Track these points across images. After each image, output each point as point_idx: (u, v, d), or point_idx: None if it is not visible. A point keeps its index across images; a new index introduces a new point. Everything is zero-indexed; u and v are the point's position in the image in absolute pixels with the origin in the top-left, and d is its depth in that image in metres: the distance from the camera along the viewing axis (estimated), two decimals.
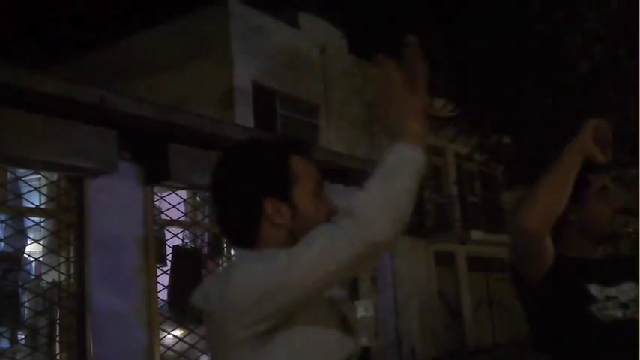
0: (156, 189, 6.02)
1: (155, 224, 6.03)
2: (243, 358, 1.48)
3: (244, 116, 11.81)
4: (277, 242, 1.53)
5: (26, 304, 5.18)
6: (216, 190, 1.62)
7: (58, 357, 5.18)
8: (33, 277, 5.34)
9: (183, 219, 6.52)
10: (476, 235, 17.19)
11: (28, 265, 5.42)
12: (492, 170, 15.42)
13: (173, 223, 6.36)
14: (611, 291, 2.12)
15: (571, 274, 2.09)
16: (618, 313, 2.08)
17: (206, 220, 6.86)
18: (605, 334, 2.06)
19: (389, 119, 1.49)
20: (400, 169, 1.42)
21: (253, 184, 1.56)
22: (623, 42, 6.62)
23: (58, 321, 5.24)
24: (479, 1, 7.60)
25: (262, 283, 1.41)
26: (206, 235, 6.94)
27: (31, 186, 5.25)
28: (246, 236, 1.57)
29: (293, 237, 1.51)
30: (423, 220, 15.98)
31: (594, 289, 2.11)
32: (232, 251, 7.21)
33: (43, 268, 5.30)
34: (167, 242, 6.38)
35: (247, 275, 1.45)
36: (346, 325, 1.60)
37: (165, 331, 6.00)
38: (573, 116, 7.33)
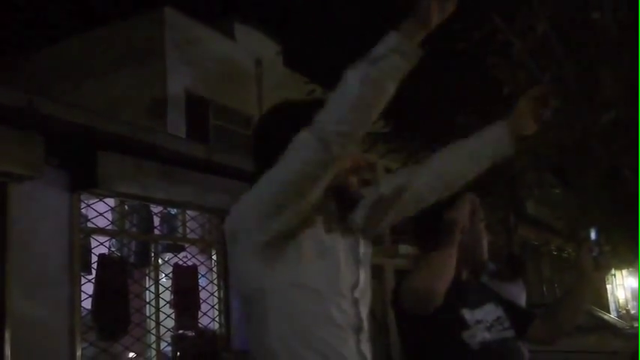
0: (83, 196, 5.92)
1: (81, 232, 5.92)
2: (261, 267, 1.64)
3: (177, 125, 11.69)
4: None
5: None
6: (255, 146, 1.81)
7: None
8: None
9: (110, 227, 6.43)
10: (404, 249, 17.43)
11: None
12: None
13: (99, 231, 6.26)
14: (479, 314, 2.33)
15: (448, 301, 2.21)
16: (487, 335, 2.28)
17: (133, 229, 6.78)
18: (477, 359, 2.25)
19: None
20: (382, 60, 1.51)
21: (285, 138, 1.66)
22: (547, 68, 6.87)
23: None
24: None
25: (263, 190, 1.61)
26: (133, 243, 6.86)
27: None
28: None
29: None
30: None
31: (467, 314, 2.30)
32: (160, 261, 7.15)
33: None
34: (93, 250, 6.27)
35: (254, 190, 1.64)
36: (354, 255, 1.78)
37: (88, 341, 5.89)
38: None
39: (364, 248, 1.84)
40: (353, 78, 1.51)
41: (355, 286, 1.74)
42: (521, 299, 6.22)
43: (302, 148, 1.53)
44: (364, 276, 1.79)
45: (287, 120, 1.73)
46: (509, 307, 2.56)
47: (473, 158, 1.94)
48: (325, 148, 1.51)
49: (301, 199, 1.58)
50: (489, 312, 2.36)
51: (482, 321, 2.30)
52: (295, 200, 1.58)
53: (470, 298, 2.33)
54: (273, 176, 1.58)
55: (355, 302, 1.73)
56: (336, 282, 1.69)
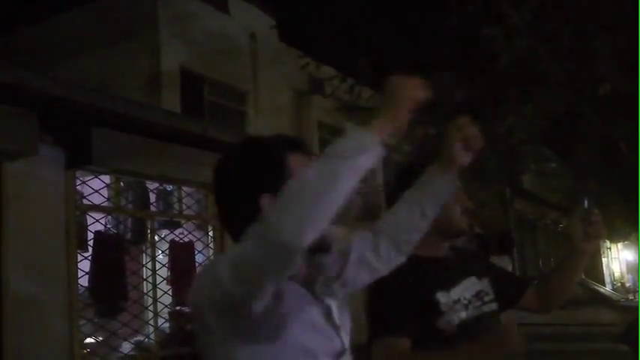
0: (78, 173, 5.90)
1: (76, 209, 5.91)
2: (228, 354, 1.50)
3: (171, 101, 11.63)
4: None
5: None
6: (216, 188, 1.66)
7: None
8: None
9: (105, 204, 6.41)
10: None
11: None
12: (419, 160, 15.68)
13: (95, 208, 6.24)
14: (456, 293, 2.26)
15: (422, 282, 2.20)
16: (463, 314, 2.23)
17: (129, 206, 6.76)
18: (451, 343, 2.16)
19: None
20: (343, 158, 1.41)
21: (249, 181, 1.60)
22: (544, 38, 6.84)
23: None
24: None
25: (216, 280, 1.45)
26: (129, 220, 6.84)
27: None
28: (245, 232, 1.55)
29: None
30: (348, 210, 16.15)
31: (442, 297, 2.22)
32: (156, 237, 7.14)
33: None
34: (89, 227, 6.26)
35: (210, 274, 1.52)
36: (330, 321, 1.64)
37: (85, 318, 5.90)
38: (496, 109, 7.56)
39: (338, 312, 1.69)
40: (316, 172, 1.39)
41: (341, 354, 1.64)
42: None
43: (258, 249, 1.37)
44: (347, 340, 1.68)
45: (248, 158, 1.64)
46: (501, 276, 2.53)
47: (418, 208, 1.83)
48: (280, 249, 1.35)
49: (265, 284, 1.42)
50: (468, 288, 2.30)
51: (460, 300, 2.25)
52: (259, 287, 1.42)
53: (446, 277, 2.27)
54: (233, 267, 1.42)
55: None
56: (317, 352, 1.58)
